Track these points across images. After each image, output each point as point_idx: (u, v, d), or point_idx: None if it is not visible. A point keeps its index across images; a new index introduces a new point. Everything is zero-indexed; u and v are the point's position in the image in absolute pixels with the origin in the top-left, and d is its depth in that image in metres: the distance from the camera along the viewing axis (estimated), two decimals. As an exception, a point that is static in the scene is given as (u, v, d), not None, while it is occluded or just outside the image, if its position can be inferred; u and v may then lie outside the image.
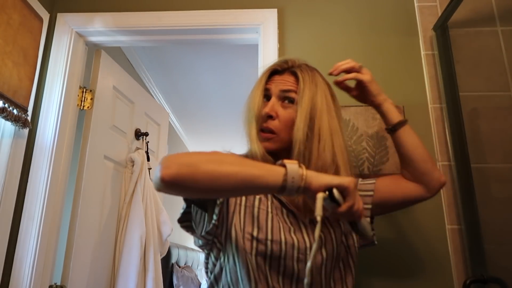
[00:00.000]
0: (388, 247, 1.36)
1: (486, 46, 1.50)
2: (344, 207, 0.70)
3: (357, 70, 0.99)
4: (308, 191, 0.70)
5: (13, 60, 1.41)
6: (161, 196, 2.36)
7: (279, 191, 0.69)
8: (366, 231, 0.78)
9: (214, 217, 0.81)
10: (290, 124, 0.88)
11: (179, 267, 3.59)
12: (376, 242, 1.01)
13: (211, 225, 0.81)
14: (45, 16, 1.67)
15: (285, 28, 1.65)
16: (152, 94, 3.39)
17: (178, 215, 0.88)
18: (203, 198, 0.83)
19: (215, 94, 3.52)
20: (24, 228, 1.48)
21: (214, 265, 0.86)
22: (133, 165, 2.03)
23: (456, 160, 1.40)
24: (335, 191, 0.69)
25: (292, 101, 0.90)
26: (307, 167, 0.81)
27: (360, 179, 1.04)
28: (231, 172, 0.67)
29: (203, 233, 0.82)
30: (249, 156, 0.91)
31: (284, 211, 0.88)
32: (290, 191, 0.69)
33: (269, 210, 0.86)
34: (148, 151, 2.20)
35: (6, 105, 1.37)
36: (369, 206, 1.01)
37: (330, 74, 0.98)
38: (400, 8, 1.64)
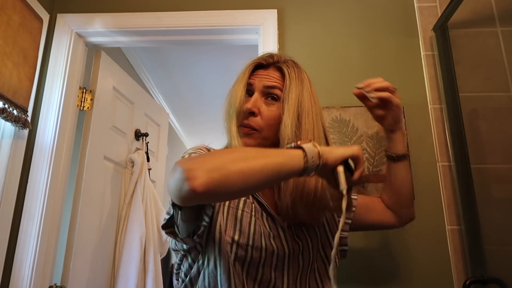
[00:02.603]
0: (388, 248, 1.36)
1: (486, 46, 1.50)
2: (357, 174, 0.72)
3: (392, 91, 0.92)
4: (326, 167, 0.70)
5: (13, 60, 1.41)
6: (161, 197, 2.36)
7: (301, 173, 0.68)
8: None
9: (206, 218, 0.75)
10: (273, 122, 0.86)
11: (179, 267, 3.58)
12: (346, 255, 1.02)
13: (202, 228, 0.75)
14: (45, 16, 1.67)
15: (285, 28, 1.65)
16: (152, 94, 3.39)
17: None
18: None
19: (215, 95, 3.52)
20: (24, 229, 1.48)
21: (191, 267, 0.82)
22: (133, 166, 2.03)
23: (456, 160, 1.40)
24: (350, 161, 0.72)
25: (275, 98, 0.87)
26: None
27: None
28: (259, 166, 0.64)
29: (195, 237, 0.76)
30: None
31: (264, 214, 0.84)
32: (310, 170, 0.68)
33: (253, 213, 0.82)
34: (148, 151, 2.19)
35: (6, 105, 1.37)
36: (349, 221, 1.00)
37: (359, 88, 0.92)
38: (400, 9, 1.64)
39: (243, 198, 0.83)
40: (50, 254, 1.53)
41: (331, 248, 0.89)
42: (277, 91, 0.87)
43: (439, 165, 1.43)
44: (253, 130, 0.86)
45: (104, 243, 1.83)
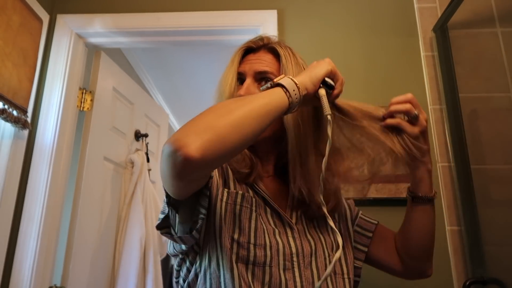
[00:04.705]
0: (388, 249, 1.36)
1: (485, 47, 1.50)
2: (338, 87, 0.72)
3: (413, 115, 0.77)
4: (308, 96, 0.69)
5: (13, 61, 1.41)
6: (160, 198, 2.35)
7: (287, 109, 0.66)
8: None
9: (202, 210, 0.68)
10: None
11: (179, 268, 3.58)
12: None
13: (199, 221, 0.68)
14: (45, 17, 1.67)
15: (285, 29, 1.65)
16: (152, 95, 3.39)
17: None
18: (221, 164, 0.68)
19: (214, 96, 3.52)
20: (24, 229, 1.48)
21: (189, 271, 0.75)
22: (132, 166, 2.03)
23: (456, 161, 1.40)
24: (328, 79, 0.71)
25: (269, 81, 0.78)
26: (305, 148, 0.77)
27: (360, 212, 0.94)
28: (246, 113, 0.60)
29: (193, 233, 0.69)
30: None
31: (268, 210, 0.77)
32: (295, 105, 0.67)
33: (253, 208, 0.75)
34: (148, 152, 2.19)
35: (6, 106, 1.37)
36: (365, 249, 0.88)
37: (383, 118, 0.80)
38: (400, 10, 1.64)
39: (240, 192, 0.75)
40: (50, 255, 1.53)
41: (346, 253, 0.82)
42: (270, 76, 0.80)
43: (439, 166, 1.42)
44: None
45: (104, 244, 1.83)
